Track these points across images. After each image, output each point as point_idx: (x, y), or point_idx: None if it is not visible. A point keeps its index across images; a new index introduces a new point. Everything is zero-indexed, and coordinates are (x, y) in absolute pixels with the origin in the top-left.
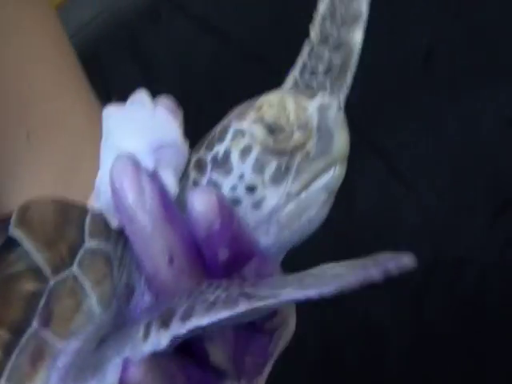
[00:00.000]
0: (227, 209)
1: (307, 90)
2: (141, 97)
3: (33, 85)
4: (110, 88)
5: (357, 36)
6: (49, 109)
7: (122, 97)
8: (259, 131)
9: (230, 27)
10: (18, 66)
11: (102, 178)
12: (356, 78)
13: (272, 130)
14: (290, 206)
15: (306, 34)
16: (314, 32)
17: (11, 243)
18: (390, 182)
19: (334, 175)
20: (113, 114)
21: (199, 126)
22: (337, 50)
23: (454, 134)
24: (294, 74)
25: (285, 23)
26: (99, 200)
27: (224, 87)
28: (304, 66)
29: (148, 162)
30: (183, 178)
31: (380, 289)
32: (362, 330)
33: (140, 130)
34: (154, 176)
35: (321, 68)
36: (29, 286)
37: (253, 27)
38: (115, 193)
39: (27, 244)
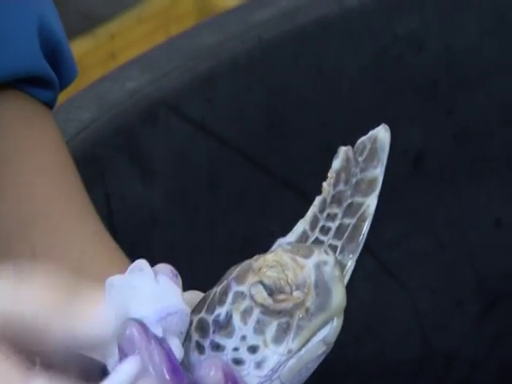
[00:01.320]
0: (232, 381)
1: (305, 247)
2: (140, 265)
3: (33, 204)
4: (109, 190)
5: (372, 204)
6: (51, 226)
7: (121, 199)
8: (259, 293)
9: (226, 130)
10: (16, 187)
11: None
12: None
13: (271, 291)
14: (291, 363)
15: (302, 139)
16: (328, 191)
17: None
18: (381, 279)
19: (332, 328)
20: (115, 282)
21: (196, 225)
22: (349, 212)
23: (442, 233)
24: (305, 227)
25: (281, 127)
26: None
27: (220, 188)
28: (315, 220)
29: (156, 331)
30: (186, 339)
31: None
32: None
33: (146, 298)
34: (161, 341)
35: (333, 228)
36: None
37: (249, 130)
38: (126, 356)
39: None
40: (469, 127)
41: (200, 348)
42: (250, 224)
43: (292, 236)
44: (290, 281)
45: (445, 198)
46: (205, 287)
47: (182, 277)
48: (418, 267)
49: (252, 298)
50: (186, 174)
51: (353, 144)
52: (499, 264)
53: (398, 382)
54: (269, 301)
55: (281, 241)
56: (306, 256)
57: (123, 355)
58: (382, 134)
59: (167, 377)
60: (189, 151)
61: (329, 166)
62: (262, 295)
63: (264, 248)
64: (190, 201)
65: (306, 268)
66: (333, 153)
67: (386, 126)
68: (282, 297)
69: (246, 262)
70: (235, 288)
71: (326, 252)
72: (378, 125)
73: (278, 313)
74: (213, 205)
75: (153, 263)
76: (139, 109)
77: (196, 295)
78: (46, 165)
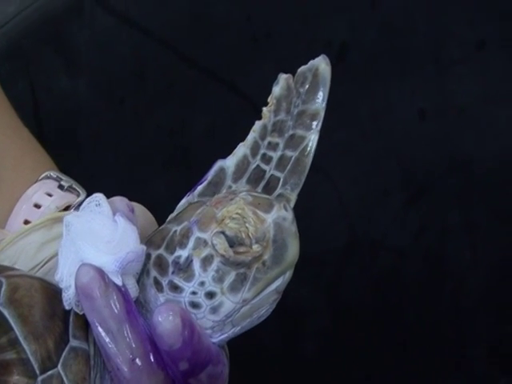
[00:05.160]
0: (190, 327)
1: (265, 200)
2: (97, 200)
3: None
4: (35, 82)
5: (314, 140)
6: None
7: (46, 91)
8: (221, 244)
9: (150, 21)
10: None
11: (63, 277)
12: (271, 72)
13: (232, 242)
14: (244, 309)
15: (226, 31)
16: (268, 117)
17: (2, 321)
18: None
19: (284, 279)
20: (74, 222)
21: (122, 116)
22: (291, 144)
23: (367, 124)
24: (245, 151)
25: (205, 19)
26: (63, 297)
27: (145, 80)
28: (256, 146)
29: (115, 279)
30: (142, 273)
31: (297, 272)
32: (279, 313)
33: (105, 245)
34: (118, 286)
35: (274, 158)
36: (20, 381)
37: (173, 21)
38: (84, 298)
39: (17, 330)
40: (393, 20)
41: (158, 285)
42: (175, 116)
43: (233, 159)
44: (250, 234)
45: (370, 90)
46: (132, 179)
47: (108, 168)
48: (342, 158)
49: (214, 247)
50: (111, 65)
51: (278, 38)
52: (423, 156)
53: (325, 271)
54: (230, 252)
55: (220, 163)
56: (267, 211)
57: (81, 298)
58: (322, 66)
59: (123, 318)
60: (114, 43)
61: (253, 57)
62: (223, 246)
63: (190, 141)
64: (115, 92)
65: (266, 223)
66: (257, 44)
67: (327, 59)
68: (242, 249)
69: (209, 209)
70: (197, 234)
71: (285, 208)
72: (301, 17)
73: (237, 264)
74: (138, 97)
75: (80, 154)
76: (64, 0)
77: (142, 211)
78: None
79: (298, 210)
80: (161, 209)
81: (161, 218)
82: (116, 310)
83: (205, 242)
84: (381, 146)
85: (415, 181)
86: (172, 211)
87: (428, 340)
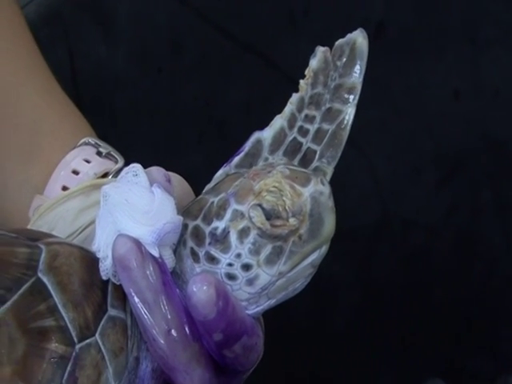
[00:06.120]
0: (224, 298)
1: (303, 173)
2: (135, 170)
3: None
4: (73, 49)
5: (351, 113)
6: (4, 85)
7: (84, 58)
8: (258, 216)
9: None
10: None
11: (100, 247)
12: (307, 47)
13: (269, 215)
14: (280, 282)
15: (262, 3)
16: (305, 89)
17: (41, 288)
18: None
19: (320, 253)
20: (111, 193)
21: (159, 84)
22: (328, 117)
23: (401, 101)
24: (283, 123)
25: None
26: (100, 267)
27: (181, 48)
28: (293, 118)
29: (152, 251)
30: (179, 243)
31: (330, 247)
32: (311, 287)
33: (142, 216)
34: (155, 257)
35: (311, 131)
36: (58, 348)
37: None
38: (121, 269)
39: (56, 297)
40: None
41: (195, 256)
42: (211, 86)
43: (270, 131)
44: (287, 207)
45: (405, 68)
46: (168, 149)
47: (143, 137)
48: (377, 135)
49: (251, 219)
50: (148, 34)
51: (316, 15)
52: (457, 135)
53: (356, 247)
54: (267, 225)
55: (257, 134)
56: (304, 184)
57: (118, 268)
58: (360, 39)
59: (159, 290)
60: (151, 12)
61: (290, 33)
62: (260, 219)
63: (226, 113)
64: (152, 62)
65: (303, 196)
66: (294, 20)
67: (364, 33)
68: (278, 222)
69: (246, 182)
70: (234, 206)
71: (322, 182)
72: None
73: (274, 237)
74: (175, 67)
75: (116, 123)
76: None
77: (179, 181)
78: None
79: (332, 185)
80: (197, 179)
81: (197, 188)
82: (152, 281)
83: (242, 215)
84: (415, 124)
85: (448, 159)
86: (208, 182)
87: (456, 319)
